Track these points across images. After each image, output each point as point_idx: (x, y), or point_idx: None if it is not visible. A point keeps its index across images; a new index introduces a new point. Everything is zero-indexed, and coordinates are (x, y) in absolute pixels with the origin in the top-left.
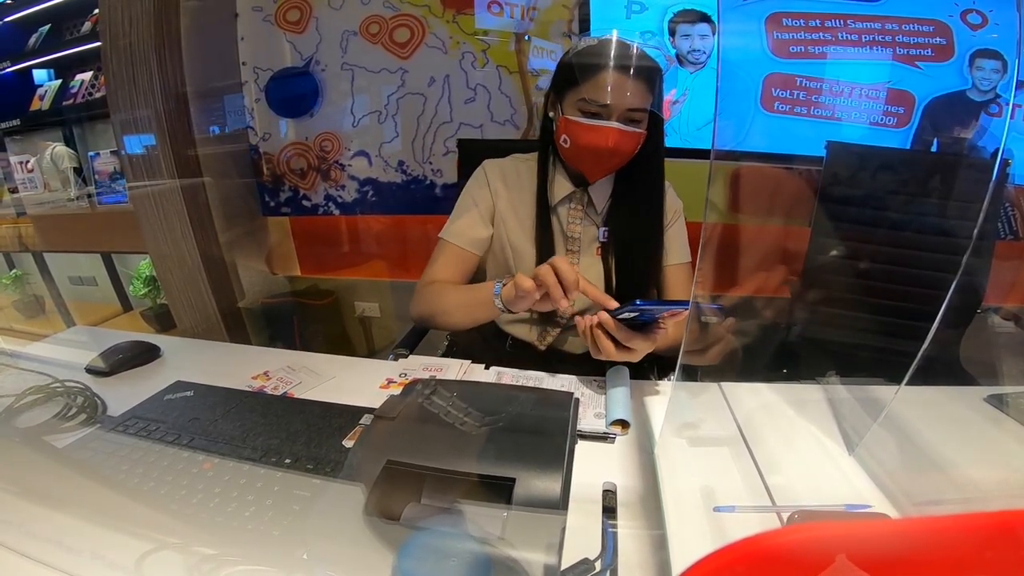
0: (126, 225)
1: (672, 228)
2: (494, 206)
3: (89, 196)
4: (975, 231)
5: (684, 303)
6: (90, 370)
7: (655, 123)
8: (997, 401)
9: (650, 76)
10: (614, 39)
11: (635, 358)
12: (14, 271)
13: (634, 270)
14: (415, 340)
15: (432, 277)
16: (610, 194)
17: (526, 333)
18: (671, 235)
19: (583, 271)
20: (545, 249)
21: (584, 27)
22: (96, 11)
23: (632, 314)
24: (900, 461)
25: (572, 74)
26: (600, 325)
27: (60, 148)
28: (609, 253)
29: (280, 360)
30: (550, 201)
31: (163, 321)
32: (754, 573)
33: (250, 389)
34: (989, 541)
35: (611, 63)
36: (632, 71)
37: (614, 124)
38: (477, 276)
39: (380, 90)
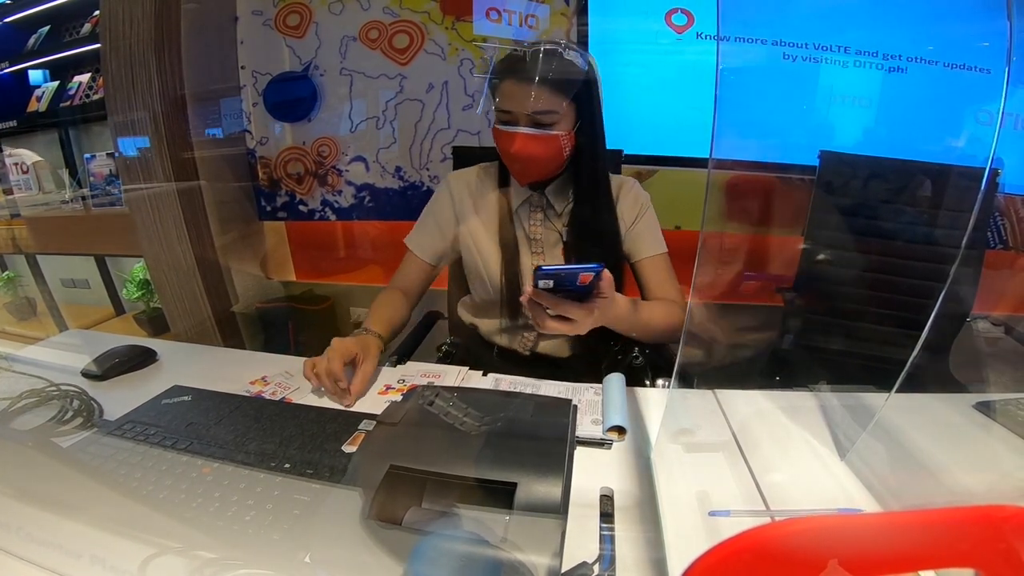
0: (121, 228)
1: (641, 221)
2: (455, 218)
3: (83, 198)
4: (963, 241)
5: (595, 265)
6: (86, 374)
7: (590, 123)
8: (986, 408)
9: (556, 79)
10: (519, 48)
11: (577, 329)
12: (6, 273)
13: None
14: (412, 347)
15: (393, 282)
16: (569, 195)
17: (507, 341)
18: (641, 228)
19: None
20: (509, 252)
21: (583, 34)
22: (96, 13)
23: (546, 281)
24: (891, 466)
25: (490, 86)
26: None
27: (19, 150)
28: (571, 253)
29: (278, 365)
30: (511, 206)
31: (156, 325)
32: (753, 566)
33: (248, 394)
34: (970, 533)
35: (512, 71)
36: (532, 76)
37: (520, 129)
38: (459, 279)
39: (378, 96)
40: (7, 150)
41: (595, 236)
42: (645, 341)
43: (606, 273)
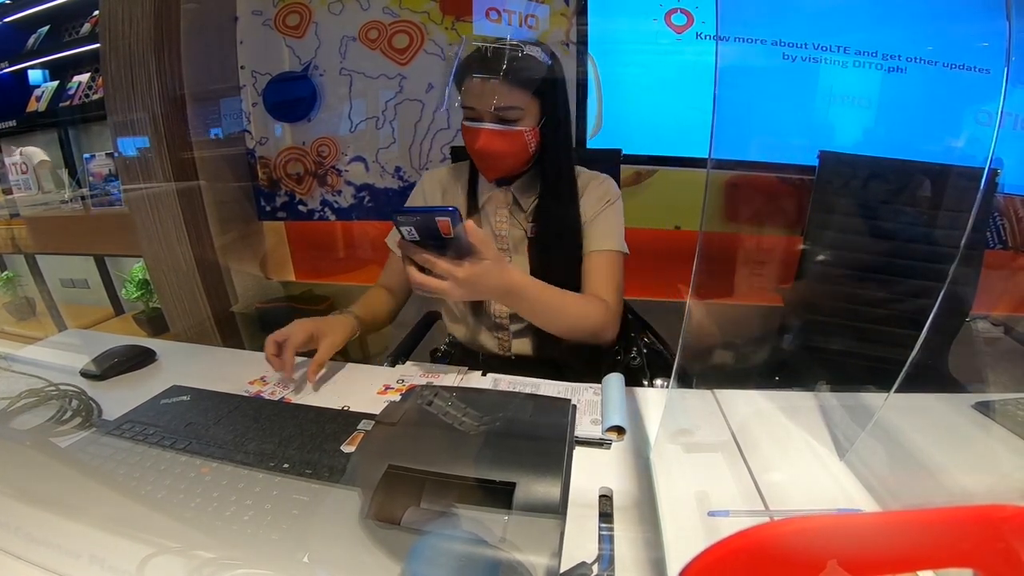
0: (120, 228)
1: (601, 215)
2: None
3: (83, 198)
4: (962, 241)
5: (450, 208)
6: (84, 374)
7: (556, 119)
8: (985, 408)
9: (517, 75)
10: (481, 44)
11: (451, 291)
12: (6, 273)
13: (554, 266)
14: (411, 346)
15: (379, 281)
16: (536, 191)
17: (482, 344)
18: (599, 221)
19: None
20: None
21: (582, 33)
22: (96, 12)
23: (408, 228)
24: (890, 466)
25: (455, 83)
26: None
27: (30, 148)
28: (536, 250)
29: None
30: (479, 202)
31: (156, 325)
32: (750, 566)
33: (248, 394)
34: (969, 533)
35: (473, 68)
36: (493, 72)
37: (484, 125)
38: None
39: (378, 96)
40: (18, 148)
41: (558, 233)
42: (555, 334)
43: (472, 226)
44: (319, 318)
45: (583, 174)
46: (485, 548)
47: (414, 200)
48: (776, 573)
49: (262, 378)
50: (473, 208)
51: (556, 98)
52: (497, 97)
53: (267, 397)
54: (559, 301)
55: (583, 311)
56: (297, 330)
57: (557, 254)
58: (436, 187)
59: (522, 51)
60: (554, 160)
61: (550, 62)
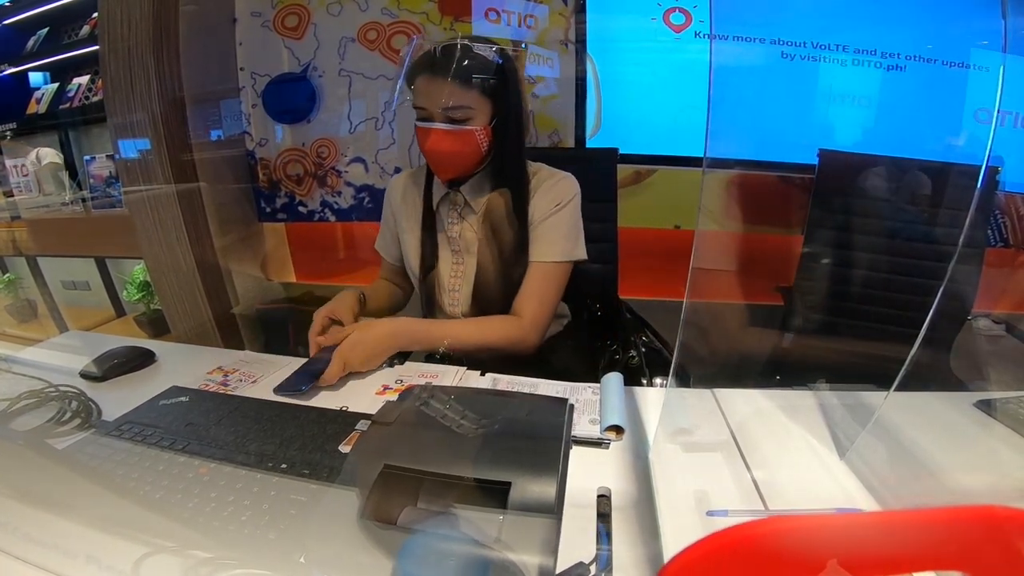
0: (121, 230)
1: (548, 220)
2: (394, 218)
3: (84, 200)
4: (961, 239)
5: (301, 388)
6: (84, 375)
7: (507, 118)
8: (986, 406)
9: (464, 74)
10: (430, 43)
11: (352, 364)
12: (7, 275)
13: (502, 270)
14: None
15: (380, 275)
16: (488, 194)
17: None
18: (545, 228)
19: (466, 271)
20: (429, 250)
21: (581, 33)
22: (95, 14)
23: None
24: (890, 465)
25: (407, 82)
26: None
27: (45, 149)
28: (483, 253)
29: (273, 365)
30: (433, 204)
31: (157, 326)
32: (736, 560)
33: (207, 386)
34: (968, 533)
35: (423, 67)
36: (440, 71)
37: (434, 125)
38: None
39: (377, 96)
40: (34, 149)
41: (506, 236)
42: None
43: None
44: (326, 308)
45: (540, 172)
46: (476, 546)
47: (385, 205)
48: (762, 571)
49: (220, 368)
50: (428, 210)
51: (508, 98)
52: (445, 96)
53: (232, 387)
54: (438, 331)
55: (474, 332)
56: (316, 326)
57: (505, 258)
58: (398, 192)
59: (470, 50)
60: (505, 161)
61: (500, 61)
